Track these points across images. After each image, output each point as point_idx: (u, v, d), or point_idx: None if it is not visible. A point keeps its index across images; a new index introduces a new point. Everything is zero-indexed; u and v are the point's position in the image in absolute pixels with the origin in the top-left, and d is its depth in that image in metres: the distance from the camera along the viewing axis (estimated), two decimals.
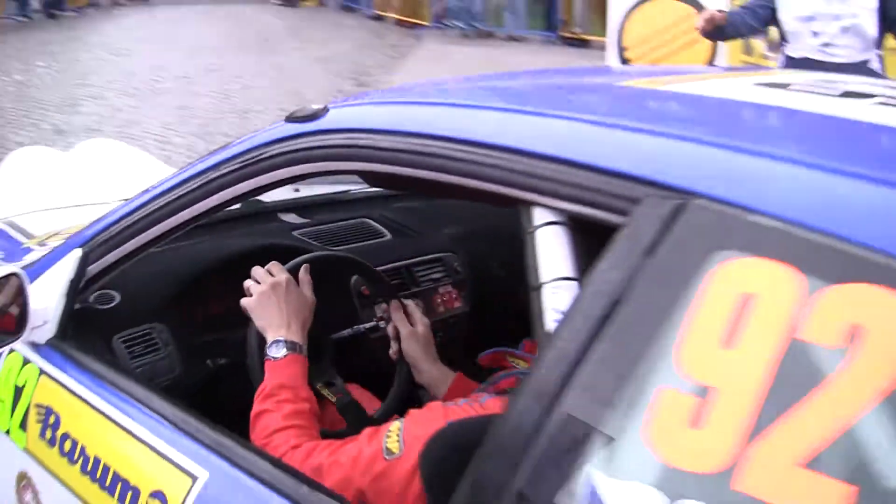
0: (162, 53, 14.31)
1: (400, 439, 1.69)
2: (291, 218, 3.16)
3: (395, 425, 1.73)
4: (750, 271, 1.14)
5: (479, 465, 1.30)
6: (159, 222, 2.09)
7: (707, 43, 5.09)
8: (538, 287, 1.44)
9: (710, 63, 8.35)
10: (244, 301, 2.19)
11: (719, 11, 5.24)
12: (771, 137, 1.49)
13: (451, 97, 1.94)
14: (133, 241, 2.15)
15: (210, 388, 2.40)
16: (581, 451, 1.19)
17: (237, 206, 2.29)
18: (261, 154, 1.90)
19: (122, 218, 2.18)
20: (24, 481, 2.17)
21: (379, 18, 18.95)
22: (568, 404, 1.22)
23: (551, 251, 1.45)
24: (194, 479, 1.72)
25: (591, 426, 1.19)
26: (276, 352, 2.06)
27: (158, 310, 2.57)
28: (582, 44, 14.87)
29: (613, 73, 2.58)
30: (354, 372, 1.83)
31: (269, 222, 3.12)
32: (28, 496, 2.16)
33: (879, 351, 1.03)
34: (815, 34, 4.82)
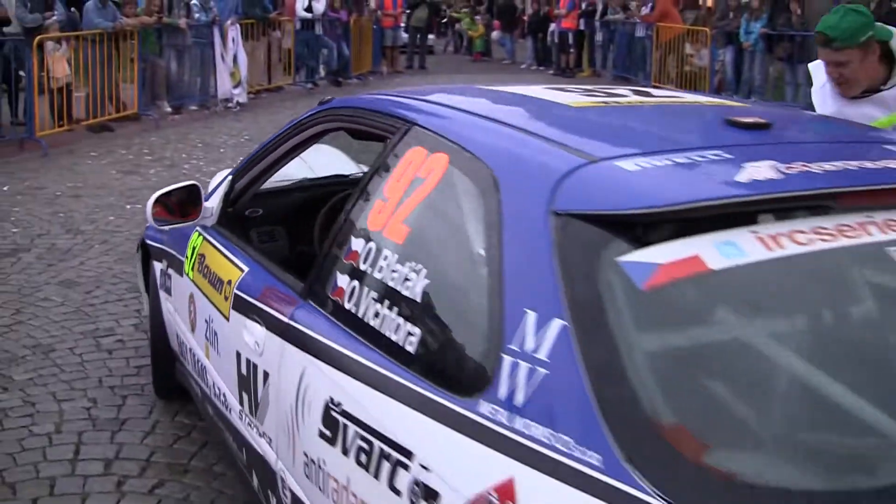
0: None
1: None
2: None
3: None
4: (416, 153, 2.71)
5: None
6: (260, 161, 4.07)
7: None
8: None
9: None
10: None
11: None
12: (467, 101, 3.26)
13: (386, 94, 3.65)
14: (250, 172, 4.14)
15: (300, 260, 3.89)
16: (351, 218, 2.89)
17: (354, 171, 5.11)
18: (307, 120, 3.74)
19: (247, 161, 4.22)
20: (190, 297, 4.12)
21: (655, 89, 18.87)
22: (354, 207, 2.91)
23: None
24: (242, 270, 3.56)
25: (353, 213, 2.90)
26: None
27: (282, 220, 4.59)
28: None
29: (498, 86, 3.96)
30: None
31: None
32: (191, 306, 4.10)
33: (432, 177, 2.57)
34: None
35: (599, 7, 22.32)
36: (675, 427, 1.84)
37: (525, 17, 27.39)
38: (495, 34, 29.17)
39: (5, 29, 13.05)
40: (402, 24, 25.77)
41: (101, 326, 5.99)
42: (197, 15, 15.84)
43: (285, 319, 3.01)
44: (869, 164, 2.40)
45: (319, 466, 2.65)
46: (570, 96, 3.19)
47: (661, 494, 1.69)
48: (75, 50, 13.29)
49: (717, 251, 2.04)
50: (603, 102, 3.12)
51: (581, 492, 1.76)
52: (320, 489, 2.64)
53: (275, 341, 3.05)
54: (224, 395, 3.67)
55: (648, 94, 3.45)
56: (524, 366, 2.00)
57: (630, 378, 1.87)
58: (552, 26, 24.08)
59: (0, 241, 7.92)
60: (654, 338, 2.01)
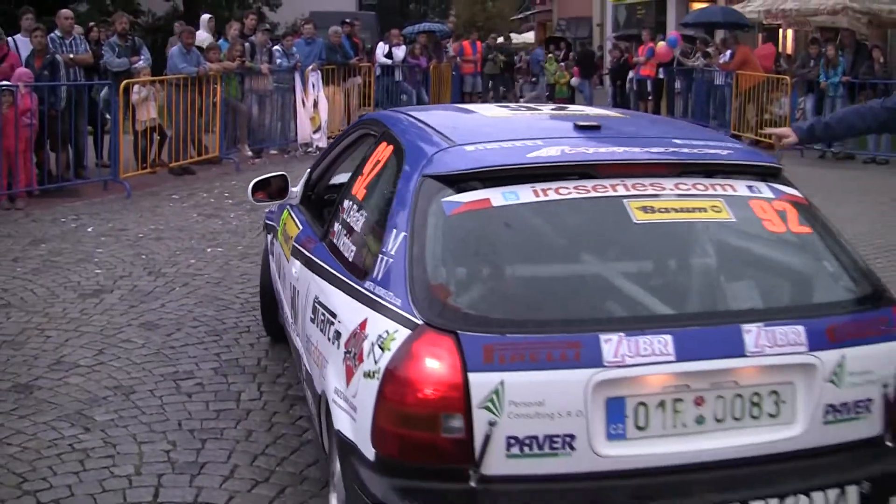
0: None
1: None
2: None
3: None
4: (382, 146, 4.33)
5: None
6: (325, 159, 5.65)
7: None
8: None
9: None
10: None
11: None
12: (425, 115, 4.62)
13: (387, 111, 5.30)
14: (319, 167, 5.66)
15: None
16: (347, 187, 4.63)
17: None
18: (349, 130, 5.49)
19: (318, 160, 5.78)
20: (279, 255, 5.62)
21: (735, 138, 18.63)
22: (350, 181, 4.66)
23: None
24: (299, 228, 5.22)
25: (349, 184, 4.65)
26: None
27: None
28: None
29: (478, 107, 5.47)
30: None
31: None
32: (279, 261, 5.66)
33: (384, 159, 4.22)
34: None
35: (676, 53, 22.19)
36: (437, 285, 3.38)
37: (605, 64, 27.33)
38: (574, 80, 29.13)
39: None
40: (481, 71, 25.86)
41: (181, 369, 6.05)
42: (279, 61, 16.09)
43: (308, 254, 4.70)
44: (636, 150, 3.86)
45: (309, 340, 4.27)
46: (497, 111, 4.90)
47: (422, 318, 3.23)
48: (159, 94, 13.58)
49: (502, 196, 3.54)
50: (511, 114, 4.85)
51: (388, 319, 3.33)
52: (310, 354, 4.26)
53: (304, 270, 4.69)
54: (287, 317, 5.26)
55: (562, 109, 5.09)
56: (386, 259, 3.55)
57: (426, 262, 3.41)
58: (631, 73, 24.00)
59: (84, 281, 8.07)
60: (447, 241, 3.51)
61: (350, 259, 3.98)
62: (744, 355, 3.27)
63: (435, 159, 3.73)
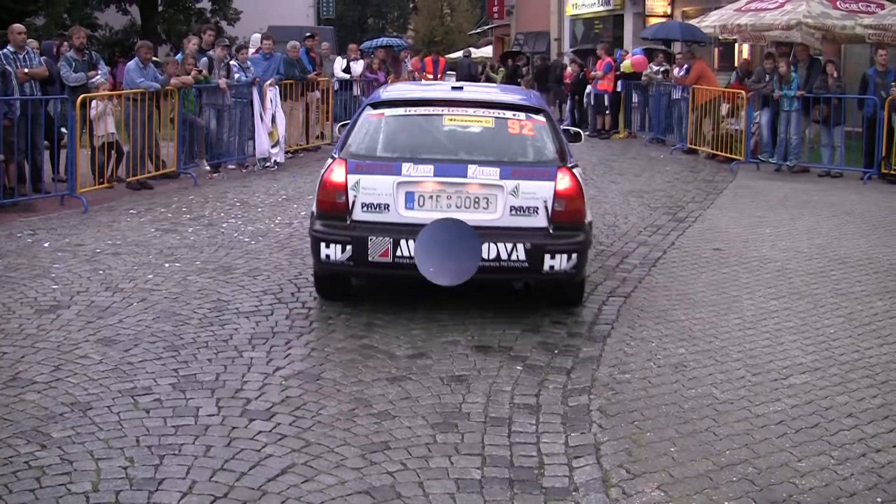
0: None
1: None
2: None
3: None
4: (370, 112, 8.41)
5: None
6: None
7: None
8: None
9: None
10: None
11: None
12: (393, 87, 10.98)
13: (385, 86, 12.99)
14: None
15: None
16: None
17: None
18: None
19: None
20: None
21: (691, 152, 18.83)
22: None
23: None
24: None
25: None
26: None
27: None
28: None
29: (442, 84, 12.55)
30: None
31: None
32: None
33: (362, 108, 9.02)
34: None
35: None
36: (349, 144, 7.78)
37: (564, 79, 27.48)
38: None
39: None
40: None
41: (138, 385, 6.01)
42: (237, 75, 16.05)
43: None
44: (462, 96, 8.24)
45: None
46: (427, 84, 15.50)
47: (338, 156, 7.66)
48: (116, 108, 13.50)
49: (390, 112, 8.03)
50: (431, 84, 14.53)
51: (331, 160, 7.72)
52: None
53: None
54: None
55: (469, 83, 12.51)
56: (341, 137, 8.20)
57: (350, 136, 7.87)
58: (589, 88, 24.12)
59: (40, 297, 8.00)
60: (361, 129, 7.90)
61: (343, 144, 7.77)
62: (466, 177, 7.29)
63: (372, 99, 8.43)
